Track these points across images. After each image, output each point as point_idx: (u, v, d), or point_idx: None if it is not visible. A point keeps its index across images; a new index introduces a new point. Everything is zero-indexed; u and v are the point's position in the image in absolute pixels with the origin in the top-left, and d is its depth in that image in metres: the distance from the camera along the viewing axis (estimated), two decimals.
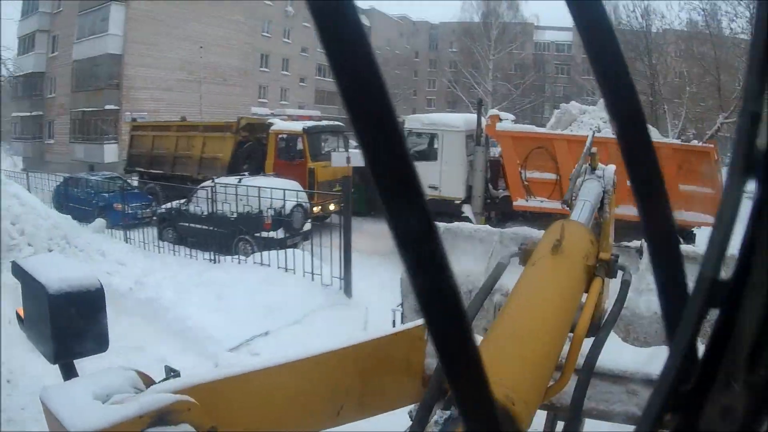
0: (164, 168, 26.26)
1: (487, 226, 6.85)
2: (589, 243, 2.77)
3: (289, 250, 14.69)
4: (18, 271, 2.00)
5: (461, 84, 60.66)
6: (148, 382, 1.93)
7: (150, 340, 10.08)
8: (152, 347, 9.69)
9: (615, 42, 0.64)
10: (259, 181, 17.72)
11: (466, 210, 18.05)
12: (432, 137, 19.20)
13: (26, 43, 51.27)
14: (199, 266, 15.19)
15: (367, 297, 13.13)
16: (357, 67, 0.54)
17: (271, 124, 24.51)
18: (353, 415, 2.58)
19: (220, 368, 2.30)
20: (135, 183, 26.86)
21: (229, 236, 16.89)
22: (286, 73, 66.52)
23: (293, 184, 17.87)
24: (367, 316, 12.25)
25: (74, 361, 1.97)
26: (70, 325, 1.85)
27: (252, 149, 24.14)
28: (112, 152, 43.43)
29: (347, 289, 13.60)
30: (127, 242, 17.82)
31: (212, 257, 15.71)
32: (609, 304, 2.81)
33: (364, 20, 71.94)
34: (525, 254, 2.79)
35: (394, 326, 11.52)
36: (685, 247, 5.20)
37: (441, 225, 6.56)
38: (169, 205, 20.38)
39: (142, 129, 29.60)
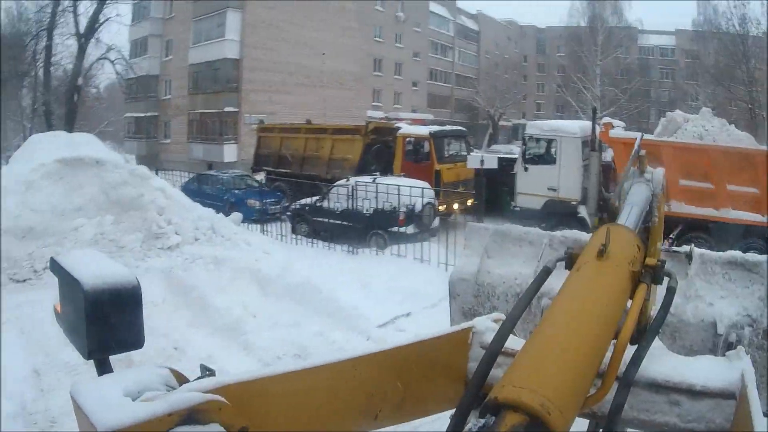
0: (292, 167, 27.12)
1: (537, 229, 6.68)
2: (635, 248, 2.76)
3: (424, 243, 15.59)
4: (55, 266, 2.02)
5: (570, 88, 59.95)
6: (182, 380, 1.97)
7: (304, 318, 10.77)
8: (306, 324, 10.44)
9: None
10: (391, 180, 18.72)
11: (582, 210, 18.63)
12: (550, 142, 19.89)
13: (138, 47, 52.97)
14: (339, 257, 16.20)
15: None
16: None
17: (398, 128, 25.48)
18: (392, 419, 2.62)
19: (255, 369, 2.34)
20: (259, 181, 28.15)
21: (364, 231, 17.79)
22: (398, 77, 66.71)
23: (424, 184, 18.68)
24: None
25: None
26: (105, 321, 1.86)
27: (379, 151, 24.84)
28: (231, 152, 44.78)
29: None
30: (264, 234, 18.79)
31: (350, 249, 16.63)
32: (655, 310, 2.78)
33: (472, 24, 71.50)
34: (571, 258, 2.77)
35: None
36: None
37: (491, 227, 6.68)
38: (303, 201, 21.15)
39: (269, 130, 30.61)
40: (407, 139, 24.36)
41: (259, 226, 19.80)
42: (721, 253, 5.60)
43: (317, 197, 20.45)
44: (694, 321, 5.40)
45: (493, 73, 74.26)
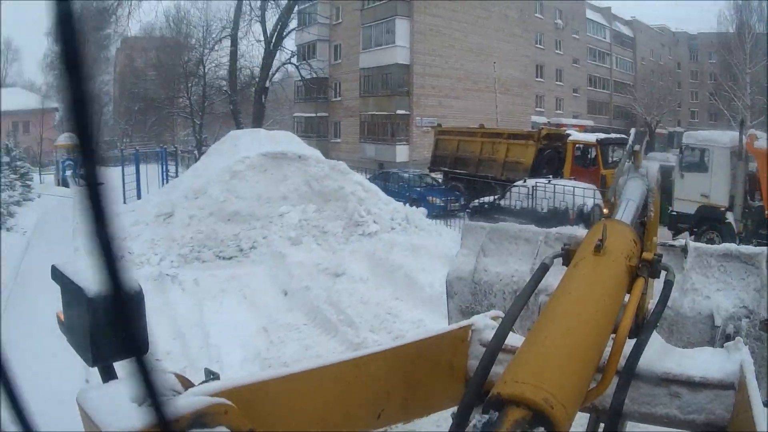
0: (468, 168, 29.17)
1: (533, 226, 6.50)
2: (631, 243, 2.76)
3: None
4: (57, 274, 2.00)
5: (721, 96, 58.29)
6: (187, 384, 2.01)
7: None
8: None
9: None
10: (564, 183, 20.54)
11: (729, 216, 19.40)
12: (704, 152, 20.36)
13: (307, 51, 54.55)
14: None
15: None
16: None
17: (568, 135, 27.45)
18: (394, 418, 2.66)
19: (260, 371, 2.32)
20: (437, 179, 30.05)
21: (539, 227, 19.72)
22: (559, 83, 66.61)
23: (592, 187, 20.29)
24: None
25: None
26: (108, 328, 1.79)
27: (550, 156, 26.72)
28: (403, 152, 46.96)
29: None
30: (448, 228, 19.33)
31: None
32: (652, 304, 2.84)
33: (627, 30, 70.11)
34: (568, 254, 2.77)
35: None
36: None
37: (487, 225, 6.56)
38: (482, 199, 23.01)
39: (446, 133, 32.47)
40: (576, 146, 26.27)
41: (441, 221, 20.68)
42: (716, 246, 5.67)
43: (496, 196, 22.27)
44: (691, 314, 5.37)
45: (649, 80, 73.43)
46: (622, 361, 2.25)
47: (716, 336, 5.19)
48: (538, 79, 62.63)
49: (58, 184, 39.72)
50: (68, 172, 39.64)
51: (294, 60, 43.19)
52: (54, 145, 47.99)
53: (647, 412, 2.75)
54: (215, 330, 9.59)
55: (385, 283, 12.33)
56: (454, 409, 2.63)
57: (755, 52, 55.48)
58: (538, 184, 20.57)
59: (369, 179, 27.81)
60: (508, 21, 55.29)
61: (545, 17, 63.25)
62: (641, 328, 2.68)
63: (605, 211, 3.58)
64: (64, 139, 43.95)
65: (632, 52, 79.38)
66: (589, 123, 61.83)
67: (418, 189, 26.91)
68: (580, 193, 19.40)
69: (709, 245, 6.00)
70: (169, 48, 48.05)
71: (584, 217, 19.64)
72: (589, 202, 19.75)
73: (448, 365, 2.93)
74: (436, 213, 22.13)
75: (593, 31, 73.14)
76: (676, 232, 20.82)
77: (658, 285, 2.85)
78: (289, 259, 13.49)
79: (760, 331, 5.16)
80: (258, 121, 33.60)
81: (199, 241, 14.41)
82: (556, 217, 19.44)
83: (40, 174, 41.86)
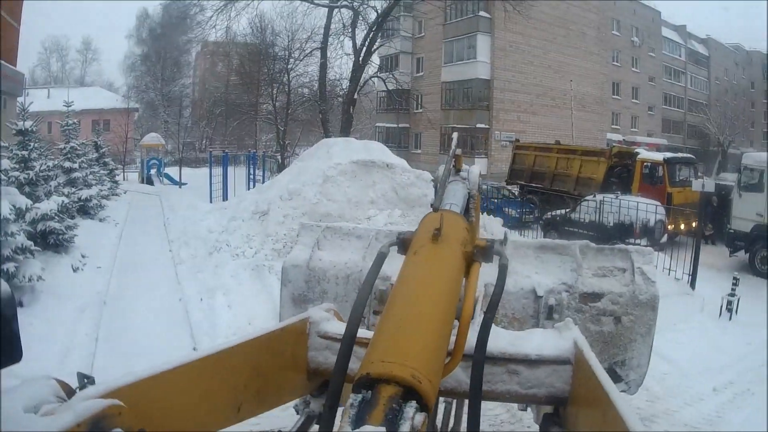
0: (543, 182, 30.27)
1: (364, 226, 6.69)
2: (465, 231, 2.80)
3: (654, 252, 18.22)
4: None
5: None
6: (67, 389, 1.98)
7: None
8: None
9: None
10: (630, 198, 21.54)
11: None
12: (762, 173, 20.93)
13: (390, 63, 55.14)
14: None
15: (705, 290, 16.12)
16: None
17: (637, 153, 28.46)
18: (252, 410, 2.73)
19: (135, 370, 2.08)
20: (513, 192, 31.05)
21: (605, 240, 18.79)
22: (635, 101, 66.62)
23: (657, 204, 21.16)
24: (703, 302, 15.24)
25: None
26: None
27: (620, 173, 27.49)
28: (482, 165, 46.07)
29: (692, 283, 16.53)
30: (521, 237, 20.14)
31: None
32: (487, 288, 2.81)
33: (702, 49, 70.88)
34: (404, 243, 2.76)
35: (720, 313, 14.67)
36: None
37: (323, 224, 6.68)
38: (555, 212, 24.17)
39: (524, 148, 33.68)
40: (645, 164, 27.07)
41: (516, 231, 22.03)
42: (532, 240, 5.52)
43: (567, 209, 23.37)
44: (514, 290, 5.52)
45: (722, 99, 72.66)
46: (470, 341, 2.27)
47: (540, 308, 5.56)
48: (615, 97, 63.01)
49: (142, 182, 42.06)
50: (152, 171, 42.33)
51: (378, 73, 44.62)
52: (139, 145, 50.18)
53: (489, 390, 2.88)
54: None
55: None
56: (298, 401, 3.10)
57: None
58: (605, 199, 21.56)
59: None
60: (586, 38, 56.02)
61: (622, 35, 63.48)
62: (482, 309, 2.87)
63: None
64: (150, 139, 46.95)
65: (707, 70, 78.38)
66: (663, 142, 62.32)
67: (495, 200, 27.47)
68: (644, 208, 20.24)
69: (526, 239, 6.53)
70: (253, 54, 49.09)
71: (648, 231, 20.86)
72: (653, 218, 20.77)
73: (291, 357, 3.03)
74: (511, 224, 22.99)
75: (669, 49, 72.73)
76: (734, 250, 21.66)
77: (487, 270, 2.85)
78: None
79: (580, 303, 5.55)
80: (346, 131, 34.92)
81: (292, 237, 14.49)
82: (621, 230, 20.71)
83: (123, 171, 44.16)
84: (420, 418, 1.65)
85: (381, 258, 2.51)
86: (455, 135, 4.14)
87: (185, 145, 58.27)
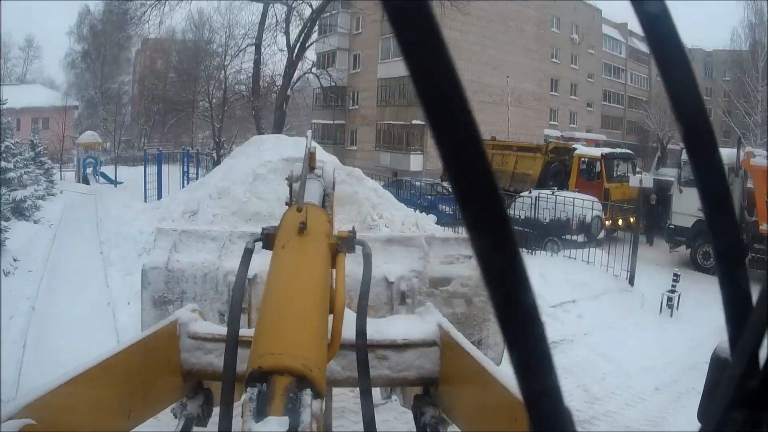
0: None
1: (219, 228, 6.94)
2: (328, 223, 2.91)
3: (591, 250, 18.14)
4: None
5: (733, 114, 58.06)
6: None
7: None
8: None
9: (681, 48, 0.63)
10: (566, 195, 21.43)
11: None
12: None
13: (326, 60, 55.01)
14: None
15: (644, 287, 16.47)
16: (435, 70, 0.51)
17: (575, 149, 28.14)
18: (140, 416, 2.66)
19: (40, 384, 2.08)
20: (448, 188, 29.46)
21: (541, 237, 20.44)
22: (574, 97, 67.09)
23: (594, 199, 21.20)
24: (643, 299, 15.58)
25: None
26: None
27: (557, 169, 27.48)
28: (417, 162, 47.89)
29: (631, 280, 16.90)
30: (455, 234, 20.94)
31: (529, 251, 19.22)
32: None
33: (643, 47, 70.19)
34: (268, 238, 2.79)
35: (661, 310, 15.44)
36: None
37: (179, 227, 6.79)
38: None
39: None
40: (582, 159, 27.00)
41: (450, 228, 20.87)
42: (378, 233, 6.32)
43: None
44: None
45: (662, 96, 68.77)
46: (346, 329, 2.34)
47: (393, 294, 5.76)
48: (553, 93, 63.36)
49: (79, 181, 41.06)
50: (88, 170, 41.47)
51: (314, 70, 43.85)
52: (75, 143, 49.11)
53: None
54: None
55: None
56: (175, 405, 2.98)
57: None
58: (542, 195, 21.38)
59: (383, 186, 28.82)
60: (525, 36, 55.98)
61: (562, 32, 63.75)
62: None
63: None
64: (86, 137, 45.53)
65: (647, 68, 78.66)
66: (602, 137, 62.29)
67: (429, 197, 27.59)
68: (580, 204, 20.14)
69: (372, 234, 7.13)
70: (191, 51, 49.09)
71: (585, 227, 20.59)
72: (590, 214, 20.54)
73: (165, 360, 2.99)
74: (445, 221, 22.70)
75: (609, 46, 73.40)
76: (674, 245, 21.60)
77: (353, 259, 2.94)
78: None
79: (430, 288, 5.81)
80: (279, 127, 34.33)
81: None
82: (557, 226, 20.55)
83: (60, 170, 43.07)
84: (317, 404, 1.68)
85: (248, 254, 2.64)
86: (309, 133, 4.19)
87: (124, 143, 58.19)
